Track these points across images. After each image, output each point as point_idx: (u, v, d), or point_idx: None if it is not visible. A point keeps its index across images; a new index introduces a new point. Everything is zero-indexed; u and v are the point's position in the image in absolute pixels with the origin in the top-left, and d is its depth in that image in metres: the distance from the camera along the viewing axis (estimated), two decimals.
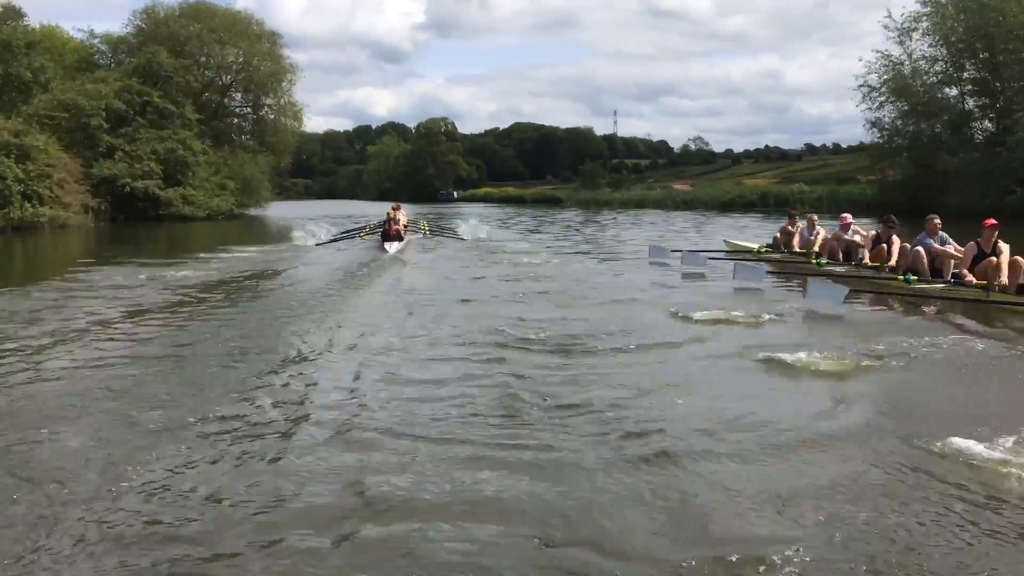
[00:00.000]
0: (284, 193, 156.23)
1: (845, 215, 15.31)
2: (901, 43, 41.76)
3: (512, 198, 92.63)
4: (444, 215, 51.72)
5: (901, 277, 11.46)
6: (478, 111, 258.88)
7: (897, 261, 12.39)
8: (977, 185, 33.19)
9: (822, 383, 6.54)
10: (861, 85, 42.61)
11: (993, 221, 10.73)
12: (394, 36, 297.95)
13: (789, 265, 15.12)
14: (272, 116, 56.05)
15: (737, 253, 16.86)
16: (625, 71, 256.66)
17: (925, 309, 10.51)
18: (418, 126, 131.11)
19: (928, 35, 40.96)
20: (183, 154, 46.09)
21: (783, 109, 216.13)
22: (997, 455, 4.47)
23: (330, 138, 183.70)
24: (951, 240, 11.76)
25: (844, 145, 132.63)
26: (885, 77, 42.05)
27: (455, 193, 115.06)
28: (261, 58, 53.73)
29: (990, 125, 40.52)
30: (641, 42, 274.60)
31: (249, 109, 57.01)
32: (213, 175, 48.51)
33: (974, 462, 4.43)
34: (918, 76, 41.47)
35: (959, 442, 4.63)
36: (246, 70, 54.12)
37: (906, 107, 41.89)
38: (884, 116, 42.91)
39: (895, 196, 38.55)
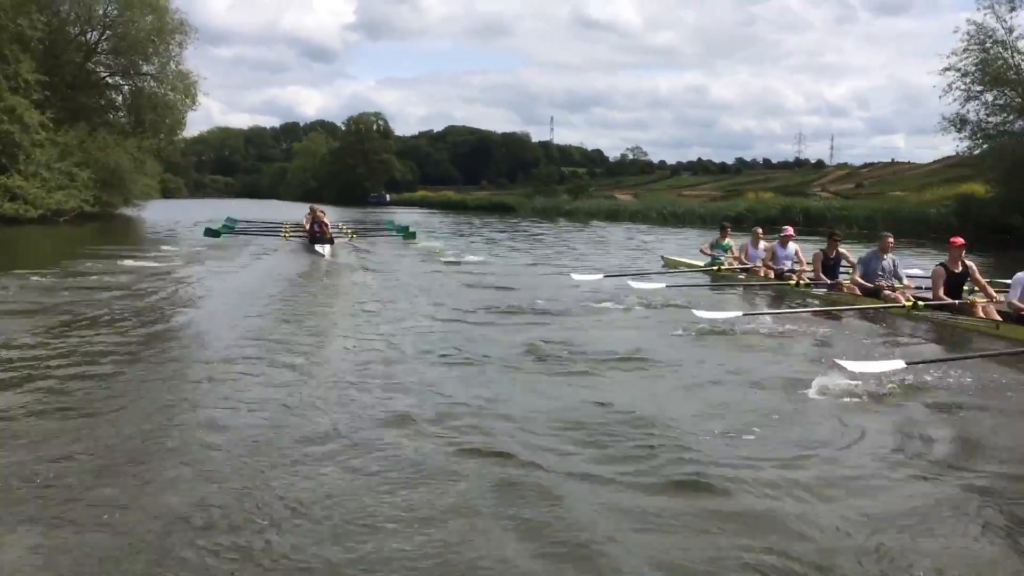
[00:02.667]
0: (201, 190, 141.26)
1: (786, 228, 14.01)
2: (998, 16, 29.36)
3: (453, 203, 78.10)
4: (381, 221, 37.81)
5: (909, 303, 9.97)
6: (409, 115, 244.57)
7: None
8: None
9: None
10: (947, 69, 30.03)
11: (961, 240, 9.83)
12: (323, 35, 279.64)
13: (770, 287, 13.08)
14: (153, 87, 40.63)
15: (689, 272, 15.14)
16: (556, 80, 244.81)
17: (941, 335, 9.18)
18: (348, 120, 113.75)
19: None
20: (9, 129, 30.84)
21: (708, 124, 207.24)
22: None
23: (255, 134, 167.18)
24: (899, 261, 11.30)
25: (774, 160, 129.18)
26: (983, 56, 29.53)
27: (388, 196, 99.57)
28: (141, 10, 38.46)
29: None
30: (571, 52, 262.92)
31: (120, 78, 41.32)
32: (58, 161, 33.14)
33: None
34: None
35: None
36: (119, 25, 38.76)
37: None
38: (970, 111, 30.44)
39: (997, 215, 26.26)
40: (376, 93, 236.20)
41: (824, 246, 12.36)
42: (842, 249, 12.27)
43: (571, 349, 7.77)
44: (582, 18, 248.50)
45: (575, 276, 13.32)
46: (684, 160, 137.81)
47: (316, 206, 25.23)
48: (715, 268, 14.64)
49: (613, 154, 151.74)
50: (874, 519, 3.84)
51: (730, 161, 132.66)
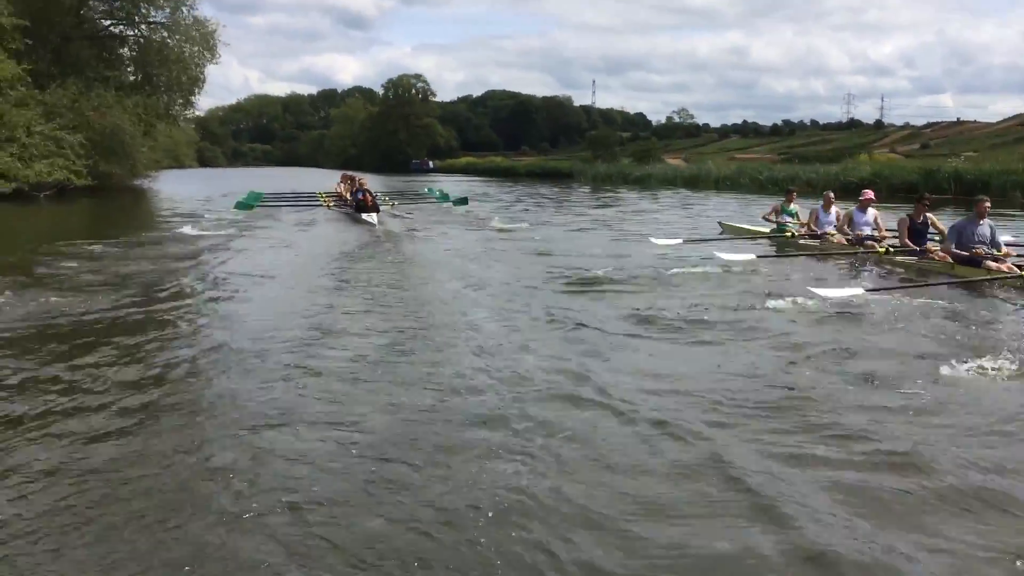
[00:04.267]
0: (240, 159, 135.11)
1: (866, 191, 12.45)
2: None
3: (501, 169, 70.29)
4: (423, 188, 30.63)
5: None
6: (446, 81, 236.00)
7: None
8: None
9: None
10: None
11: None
12: (357, 1, 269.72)
13: (854, 256, 11.11)
14: (163, 38, 33.38)
15: (757, 239, 13.58)
16: (592, 43, 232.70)
17: None
18: (388, 83, 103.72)
19: None
20: None
21: (750, 86, 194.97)
22: None
23: (292, 102, 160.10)
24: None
25: (821, 122, 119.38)
26: None
27: (431, 163, 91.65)
28: None
29: None
30: (608, 15, 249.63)
31: (124, 27, 34.01)
32: (40, 124, 26.09)
33: None
34: None
35: None
36: None
37: None
38: None
39: None
40: (412, 59, 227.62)
41: (911, 211, 10.86)
42: (929, 215, 10.74)
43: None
44: None
45: (655, 240, 12.83)
46: (728, 123, 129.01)
47: (353, 173, 24.47)
48: (785, 234, 13.21)
49: (656, 118, 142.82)
50: None
51: (776, 123, 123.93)
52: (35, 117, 25.77)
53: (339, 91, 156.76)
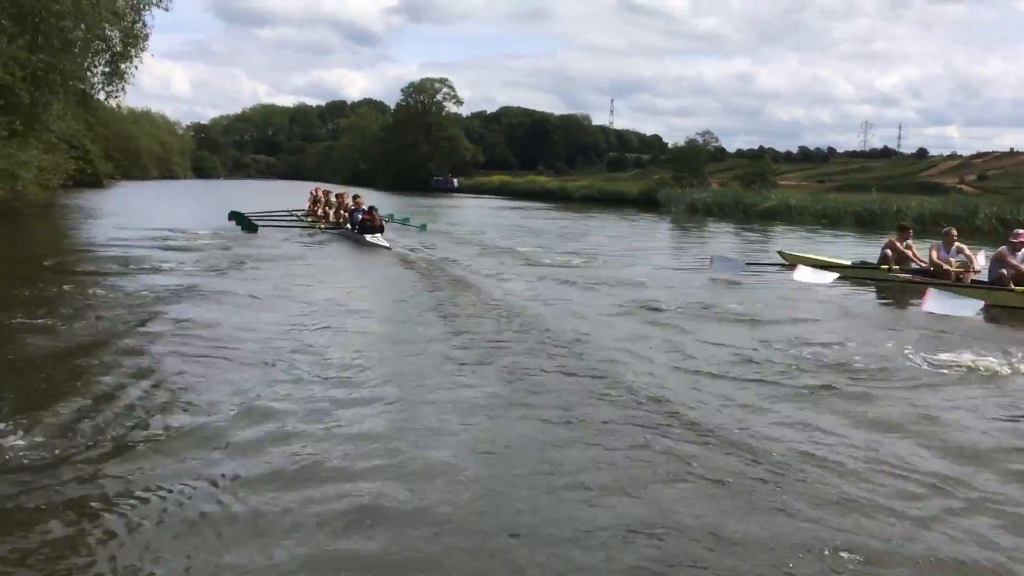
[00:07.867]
0: (242, 170, 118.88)
1: (1019, 231, 9.72)
2: None
3: (546, 192, 54.46)
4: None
5: None
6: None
7: None
8: None
9: None
10: None
11: None
12: (366, 17, 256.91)
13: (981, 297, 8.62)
14: None
15: (862, 271, 11.08)
16: (599, 66, 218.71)
17: None
18: (408, 87, 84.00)
19: None
20: None
21: (755, 112, 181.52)
22: None
23: (300, 113, 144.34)
24: None
25: (839, 150, 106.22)
26: None
27: (456, 180, 75.26)
28: None
29: None
30: (615, 37, 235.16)
31: None
32: None
33: None
34: None
35: None
36: None
37: None
38: None
39: None
40: (420, 76, 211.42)
41: None
42: None
43: None
44: (626, 3, 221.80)
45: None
46: (734, 148, 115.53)
47: (336, 188, 23.25)
48: (885, 267, 10.80)
49: (668, 141, 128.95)
50: None
51: (806, 150, 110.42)
52: None
53: (348, 103, 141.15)
